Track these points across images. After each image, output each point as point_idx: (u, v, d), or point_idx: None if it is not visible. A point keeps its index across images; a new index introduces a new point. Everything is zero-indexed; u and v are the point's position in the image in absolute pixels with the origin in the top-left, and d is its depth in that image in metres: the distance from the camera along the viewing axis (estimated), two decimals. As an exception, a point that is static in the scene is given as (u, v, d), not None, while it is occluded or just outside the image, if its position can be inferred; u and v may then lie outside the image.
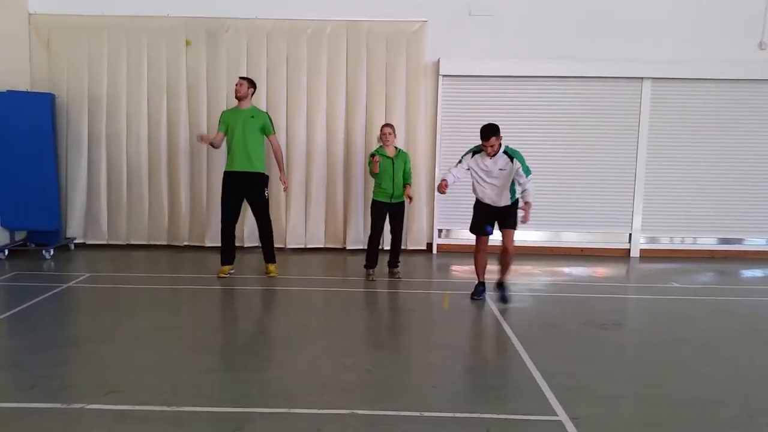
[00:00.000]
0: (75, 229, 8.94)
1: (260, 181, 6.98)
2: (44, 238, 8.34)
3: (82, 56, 8.72)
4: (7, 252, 8.00)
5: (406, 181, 7.17)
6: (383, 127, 7.20)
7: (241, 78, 7.05)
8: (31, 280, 6.89)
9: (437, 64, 8.74)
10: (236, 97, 6.95)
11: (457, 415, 3.57)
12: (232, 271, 7.20)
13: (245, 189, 6.95)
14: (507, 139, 9.09)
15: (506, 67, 8.76)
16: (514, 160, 5.86)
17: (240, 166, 6.86)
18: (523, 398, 3.85)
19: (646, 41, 8.77)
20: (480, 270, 6.37)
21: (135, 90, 8.77)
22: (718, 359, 4.69)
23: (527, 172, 5.85)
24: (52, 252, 8.10)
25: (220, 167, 8.74)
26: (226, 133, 6.94)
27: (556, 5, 8.78)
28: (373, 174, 7.11)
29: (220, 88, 8.73)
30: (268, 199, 7.09)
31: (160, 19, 8.67)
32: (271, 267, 7.24)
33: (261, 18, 8.68)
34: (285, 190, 7.36)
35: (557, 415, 3.59)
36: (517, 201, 6.04)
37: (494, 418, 3.54)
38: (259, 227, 7.15)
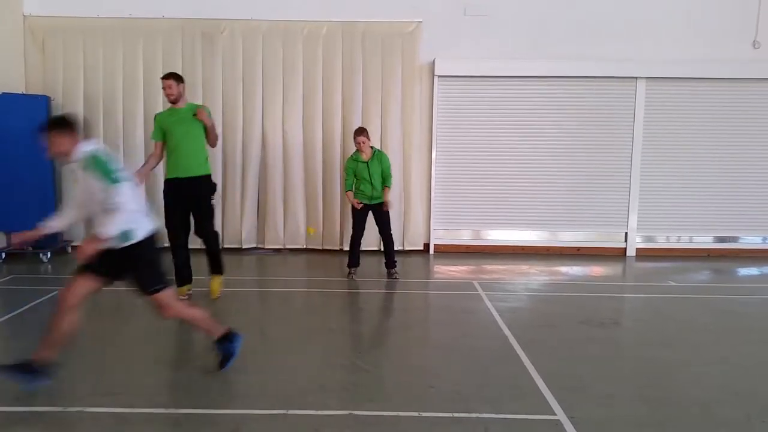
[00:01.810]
0: (72, 231, 8.92)
1: (206, 185, 6.13)
2: (41, 241, 8.27)
3: (78, 58, 8.71)
4: (4, 255, 7.99)
5: (385, 183, 7.09)
6: (356, 136, 7.04)
7: (165, 78, 5.98)
8: (28, 283, 6.88)
9: (432, 64, 8.75)
10: (170, 101, 6.01)
11: (455, 414, 3.58)
12: (189, 292, 6.22)
13: (190, 196, 6.04)
14: (501, 139, 9.14)
15: (501, 68, 8.78)
16: (87, 170, 3.72)
17: (186, 172, 5.98)
18: (521, 398, 3.86)
19: (640, 41, 8.80)
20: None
21: (130, 92, 8.76)
22: (716, 358, 4.71)
23: (110, 179, 3.66)
24: (49, 255, 8.08)
25: (217, 168, 8.77)
26: (164, 139, 6.02)
27: (551, 5, 8.80)
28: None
29: (216, 89, 8.74)
30: (211, 204, 6.24)
31: (155, 20, 8.67)
32: (216, 282, 6.22)
33: (256, 19, 8.68)
34: (198, 113, 5.98)
35: (555, 415, 3.59)
36: (133, 247, 3.78)
37: (492, 418, 3.55)
38: (204, 239, 6.18)
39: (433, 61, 8.73)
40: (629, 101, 8.93)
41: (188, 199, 6.04)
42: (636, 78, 8.84)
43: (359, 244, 7.24)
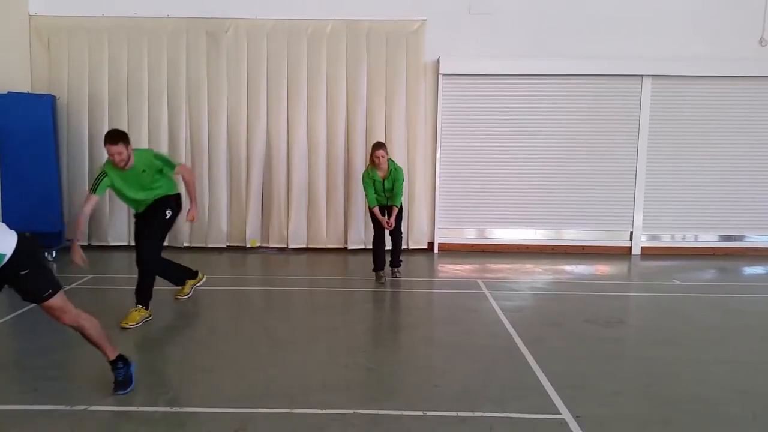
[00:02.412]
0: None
1: (167, 201, 5.51)
2: (47, 240, 8.33)
3: (83, 57, 8.73)
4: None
5: (393, 202, 6.95)
6: (375, 149, 6.80)
7: (110, 144, 4.99)
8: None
9: (437, 62, 8.74)
10: (120, 168, 5.11)
11: (460, 413, 3.57)
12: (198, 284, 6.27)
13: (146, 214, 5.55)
14: (506, 137, 9.14)
15: (506, 66, 8.76)
16: None
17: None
18: (525, 397, 3.85)
19: (646, 39, 8.77)
20: None
21: (135, 91, 8.78)
22: (721, 357, 4.69)
23: None
24: (54, 254, 8.10)
25: (222, 168, 8.82)
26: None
27: (556, 3, 8.78)
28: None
29: (221, 88, 8.75)
30: (166, 220, 5.51)
31: (160, 19, 8.68)
32: (134, 315, 5.28)
33: (261, 18, 8.68)
34: (192, 220, 5.87)
35: (560, 414, 3.59)
36: (6, 266, 3.41)
37: (497, 417, 3.54)
38: (138, 252, 5.51)
39: (438, 59, 8.72)
40: (635, 99, 8.89)
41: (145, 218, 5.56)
42: (642, 76, 8.81)
43: (382, 244, 7.11)
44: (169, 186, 5.53)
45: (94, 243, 8.93)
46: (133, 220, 8.63)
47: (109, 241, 8.95)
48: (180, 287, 6.17)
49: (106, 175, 5.16)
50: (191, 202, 5.76)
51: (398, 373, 4.32)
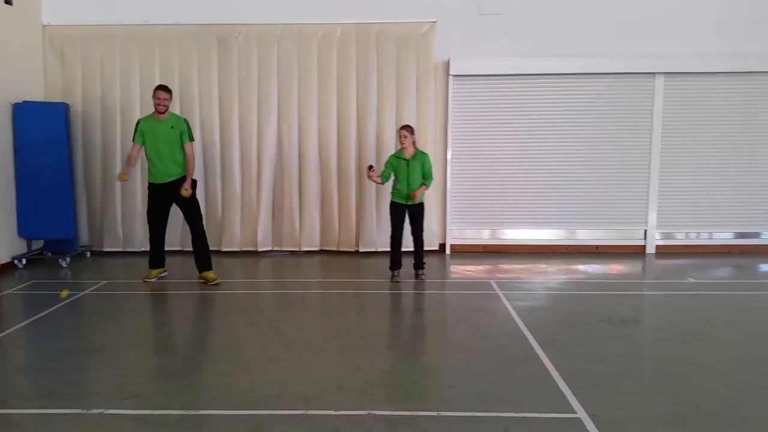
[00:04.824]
0: (90, 237, 9.02)
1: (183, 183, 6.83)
2: (60, 246, 8.41)
3: (95, 66, 8.81)
4: (24, 261, 8.08)
5: (424, 182, 7.06)
6: (400, 129, 7.15)
7: (161, 90, 6.76)
8: (48, 288, 6.94)
9: (447, 64, 8.73)
10: (159, 112, 6.74)
11: (475, 414, 3.56)
12: (163, 274, 7.31)
13: (173, 195, 6.84)
14: (518, 137, 9.09)
15: (517, 66, 8.73)
16: None
17: (167, 178, 6.80)
18: (541, 396, 3.83)
19: (657, 36, 8.71)
20: None
21: (148, 98, 8.73)
22: (737, 355, 4.64)
23: None
24: (68, 260, 8.17)
25: (234, 173, 8.86)
26: (143, 144, 6.82)
27: (566, 2, 8.74)
28: (383, 178, 7.13)
29: (232, 93, 8.78)
30: (195, 199, 6.96)
31: (170, 27, 8.74)
32: (210, 275, 7.00)
33: (271, 23, 8.72)
34: (185, 194, 6.79)
35: (576, 413, 3.57)
36: None
37: (512, 417, 3.53)
38: (192, 231, 6.99)
39: (448, 60, 8.72)
40: (647, 97, 8.83)
41: (171, 198, 6.88)
42: (654, 74, 8.75)
43: (400, 244, 7.14)
44: (183, 167, 6.80)
45: (106, 249, 8.96)
46: (144, 228, 8.79)
47: (123, 247, 8.98)
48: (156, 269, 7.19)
49: (139, 124, 6.84)
50: (187, 178, 6.82)
51: (412, 375, 4.31)
